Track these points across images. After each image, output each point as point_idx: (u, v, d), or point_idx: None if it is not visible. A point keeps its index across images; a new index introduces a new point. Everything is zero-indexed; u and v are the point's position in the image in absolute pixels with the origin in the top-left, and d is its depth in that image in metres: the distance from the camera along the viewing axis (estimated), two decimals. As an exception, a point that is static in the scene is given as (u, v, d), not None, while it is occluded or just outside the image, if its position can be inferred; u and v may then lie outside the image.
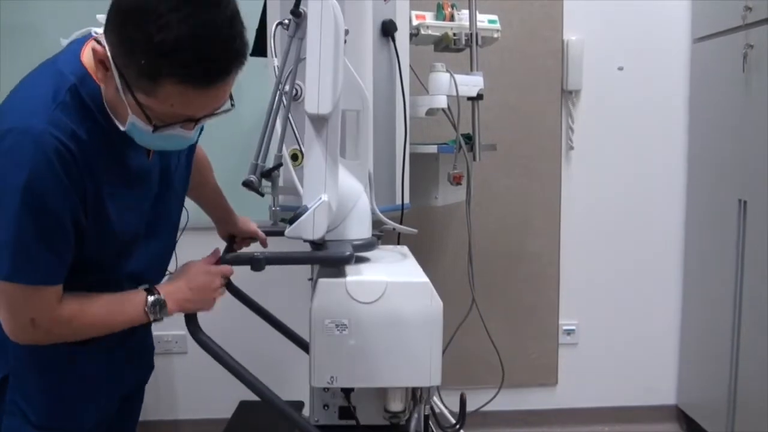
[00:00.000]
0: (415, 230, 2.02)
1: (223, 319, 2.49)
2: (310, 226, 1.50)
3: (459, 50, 2.70)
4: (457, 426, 1.75)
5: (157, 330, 3.10)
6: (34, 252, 1.31)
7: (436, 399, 1.93)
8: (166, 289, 1.54)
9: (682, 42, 3.42)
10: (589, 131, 3.45)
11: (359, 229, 1.72)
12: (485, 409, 2.92)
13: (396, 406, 1.62)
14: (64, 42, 1.47)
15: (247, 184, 1.62)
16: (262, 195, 1.67)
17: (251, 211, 2.17)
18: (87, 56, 1.38)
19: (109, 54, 1.27)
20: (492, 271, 3.42)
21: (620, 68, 3.43)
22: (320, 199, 1.51)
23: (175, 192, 1.68)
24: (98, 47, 1.28)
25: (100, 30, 1.33)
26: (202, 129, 1.50)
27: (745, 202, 2.95)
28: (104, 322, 1.47)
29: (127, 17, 1.23)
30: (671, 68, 3.45)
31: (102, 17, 1.30)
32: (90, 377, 1.57)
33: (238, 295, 2.18)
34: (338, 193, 1.61)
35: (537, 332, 3.53)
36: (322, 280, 1.52)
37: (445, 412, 2.03)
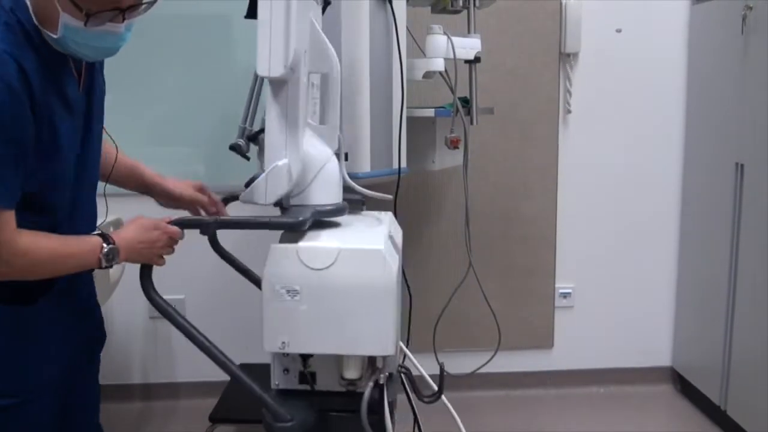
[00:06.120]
0: (390, 196, 2.01)
1: (210, 280, 2.52)
2: (263, 191, 1.50)
3: (456, 12, 2.67)
4: (434, 396, 1.74)
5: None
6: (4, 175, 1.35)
7: (417, 364, 1.92)
8: (119, 236, 1.55)
9: (681, 3, 3.37)
10: (586, 94, 3.42)
11: (325, 194, 1.71)
12: (482, 371, 2.94)
13: (351, 373, 1.59)
14: None
15: (234, 147, 1.63)
16: (248, 159, 1.66)
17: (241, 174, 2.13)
18: None
19: None
20: (489, 234, 3.41)
21: (618, 30, 3.38)
22: (275, 163, 1.51)
23: (95, 137, 1.67)
24: None
25: None
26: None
27: (742, 166, 2.92)
28: (57, 259, 1.48)
29: None
30: (670, 30, 3.40)
31: None
32: (35, 338, 1.57)
33: (224, 256, 2.18)
34: (302, 157, 1.60)
35: (533, 295, 3.54)
36: (274, 246, 1.51)
37: (427, 378, 2.00)
